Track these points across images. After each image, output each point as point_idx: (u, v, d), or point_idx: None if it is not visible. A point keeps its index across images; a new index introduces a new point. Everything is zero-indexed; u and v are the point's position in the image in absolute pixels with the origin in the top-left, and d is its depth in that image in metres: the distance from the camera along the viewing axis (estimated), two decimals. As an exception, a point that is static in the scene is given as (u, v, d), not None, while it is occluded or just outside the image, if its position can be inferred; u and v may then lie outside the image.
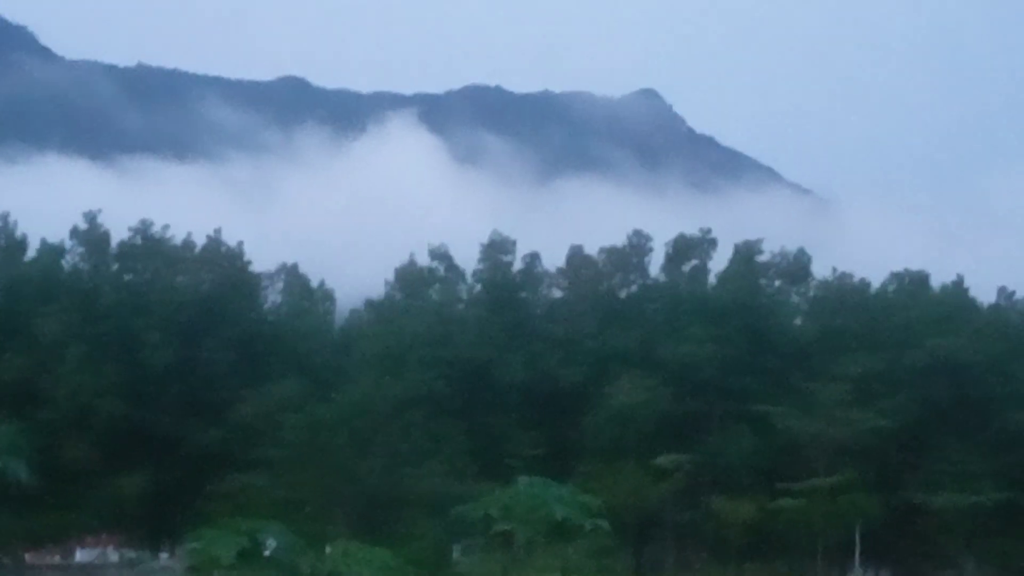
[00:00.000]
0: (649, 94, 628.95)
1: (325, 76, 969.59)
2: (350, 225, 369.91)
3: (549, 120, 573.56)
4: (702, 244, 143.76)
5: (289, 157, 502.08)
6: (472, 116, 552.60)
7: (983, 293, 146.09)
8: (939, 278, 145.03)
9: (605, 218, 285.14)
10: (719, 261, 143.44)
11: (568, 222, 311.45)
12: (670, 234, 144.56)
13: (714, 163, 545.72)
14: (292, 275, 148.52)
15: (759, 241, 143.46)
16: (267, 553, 63.39)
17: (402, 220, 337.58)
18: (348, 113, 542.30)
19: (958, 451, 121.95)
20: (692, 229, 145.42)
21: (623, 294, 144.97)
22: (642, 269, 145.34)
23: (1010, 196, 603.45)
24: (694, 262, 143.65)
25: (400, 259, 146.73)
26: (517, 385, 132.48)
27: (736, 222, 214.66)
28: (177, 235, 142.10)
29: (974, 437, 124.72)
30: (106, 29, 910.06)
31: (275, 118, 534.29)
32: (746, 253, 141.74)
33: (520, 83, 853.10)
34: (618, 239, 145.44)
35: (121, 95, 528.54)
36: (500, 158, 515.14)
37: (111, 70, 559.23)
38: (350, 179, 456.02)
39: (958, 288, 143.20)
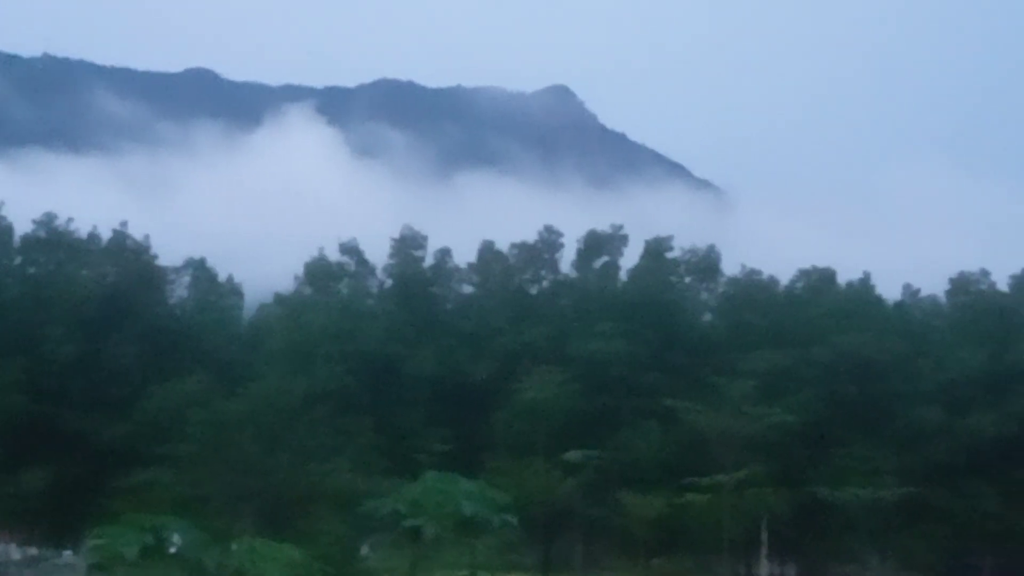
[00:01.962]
0: (561, 90, 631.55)
1: (235, 68, 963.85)
2: (254, 219, 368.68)
3: (457, 115, 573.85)
4: (613, 240, 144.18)
5: (186, 150, 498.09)
6: (377, 110, 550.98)
7: (888, 290, 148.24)
8: (845, 275, 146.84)
9: (508, 214, 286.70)
10: (630, 258, 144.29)
11: (470, 217, 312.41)
12: (573, 229, 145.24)
13: (623, 159, 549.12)
14: (199, 269, 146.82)
15: (669, 238, 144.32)
16: (172, 550, 62.48)
17: (304, 214, 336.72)
18: (250, 106, 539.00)
19: (862, 447, 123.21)
20: (596, 225, 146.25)
21: (534, 290, 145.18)
22: (553, 265, 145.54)
23: (911, 193, 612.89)
24: (605, 258, 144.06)
25: (307, 254, 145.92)
26: (427, 380, 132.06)
27: (642, 218, 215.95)
28: (80, 228, 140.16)
29: (878, 433, 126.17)
30: (14, 17, 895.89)
31: (176, 110, 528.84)
32: (656, 250, 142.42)
33: (434, 78, 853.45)
34: (519, 235, 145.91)
35: (18, 86, 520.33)
36: (400, 152, 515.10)
37: (13, 60, 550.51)
38: (248, 172, 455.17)
39: (864, 285, 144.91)
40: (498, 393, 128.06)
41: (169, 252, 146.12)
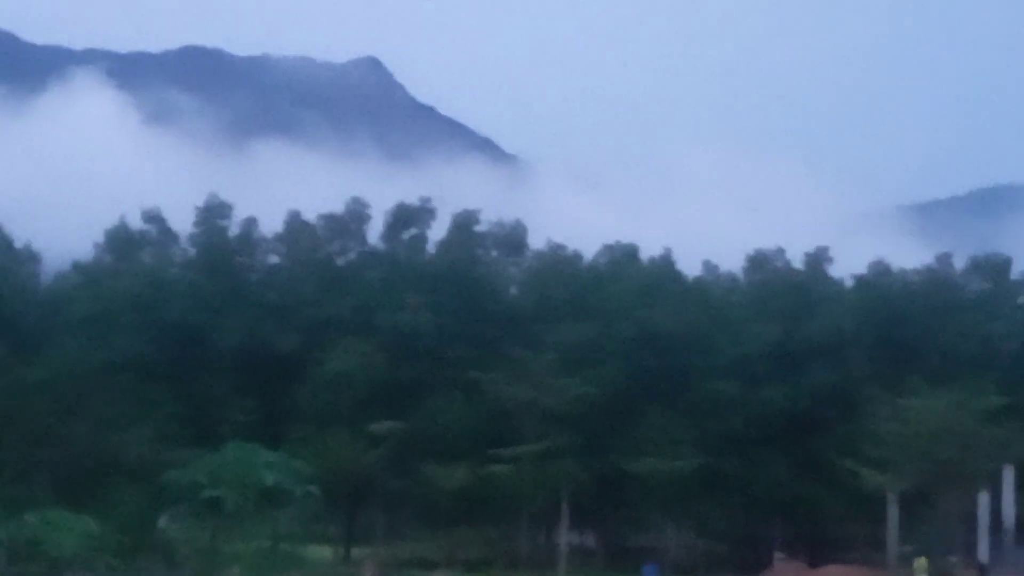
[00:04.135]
0: (371, 62, 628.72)
1: (39, 32, 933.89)
2: (44, 184, 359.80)
3: (258, 83, 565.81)
4: (421, 213, 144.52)
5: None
6: (177, 77, 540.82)
7: (688, 267, 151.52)
8: (647, 252, 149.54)
9: (303, 184, 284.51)
10: (437, 231, 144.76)
11: (263, 186, 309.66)
12: (372, 202, 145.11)
13: (430, 132, 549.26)
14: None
15: (477, 211, 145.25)
16: (-38, 521, 61.00)
17: (95, 180, 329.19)
18: (43, 69, 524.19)
19: (660, 418, 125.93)
20: (394, 197, 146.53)
21: (341, 261, 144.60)
22: (360, 237, 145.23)
23: (707, 174, 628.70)
24: (413, 231, 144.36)
25: (102, 221, 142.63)
26: (231, 351, 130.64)
27: (443, 191, 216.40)
28: None
29: (675, 405, 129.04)
30: None
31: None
32: (464, 223, 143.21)
33: (244, 47, 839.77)
34: (314, 205, 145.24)
35: None
36: (191, 119, 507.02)
37: None
38: (35, 137, 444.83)
39: (665, 261, 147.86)
40: (304, 364, 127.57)
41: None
